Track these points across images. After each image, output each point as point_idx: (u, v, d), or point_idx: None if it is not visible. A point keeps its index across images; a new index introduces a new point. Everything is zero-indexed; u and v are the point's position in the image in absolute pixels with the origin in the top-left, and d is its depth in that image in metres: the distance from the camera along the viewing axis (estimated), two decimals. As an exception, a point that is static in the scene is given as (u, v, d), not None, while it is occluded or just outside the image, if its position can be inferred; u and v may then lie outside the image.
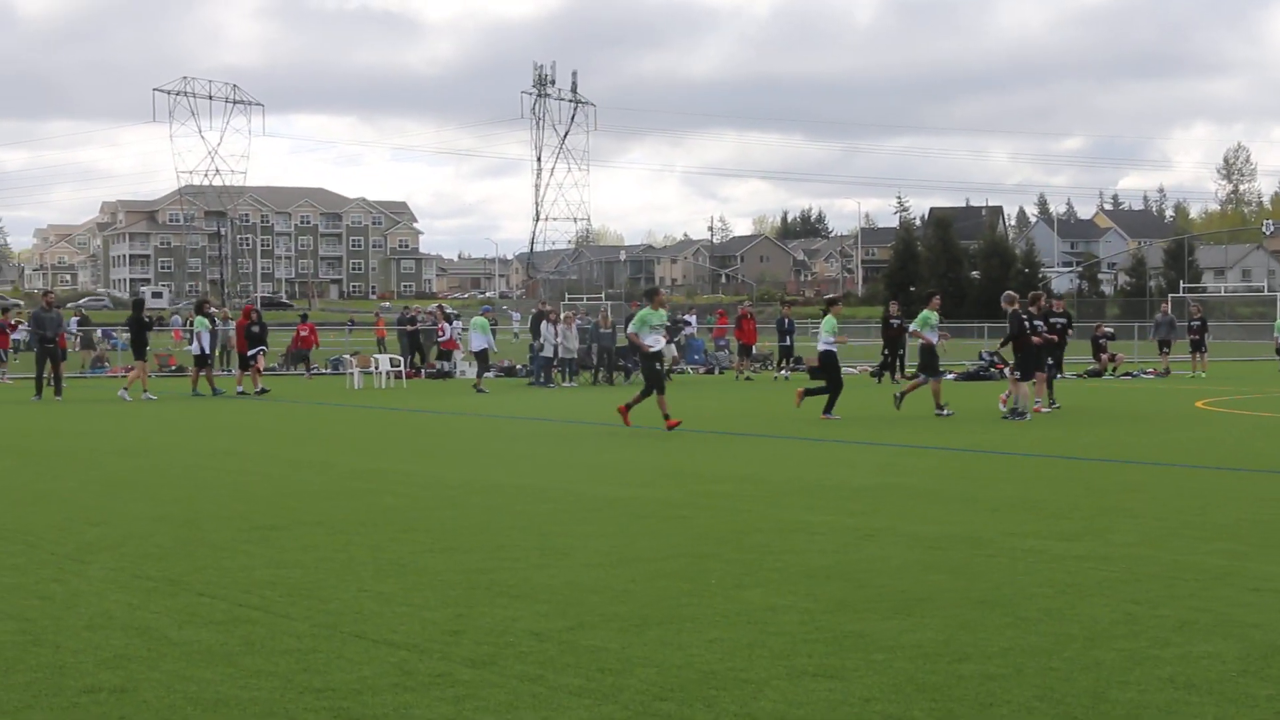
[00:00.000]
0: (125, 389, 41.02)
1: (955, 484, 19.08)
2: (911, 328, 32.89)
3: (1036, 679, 8.61)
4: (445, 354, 57.77)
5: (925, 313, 32.71)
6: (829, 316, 32.10)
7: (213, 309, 49.36)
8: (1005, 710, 7.96)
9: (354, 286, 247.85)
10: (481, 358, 48.00)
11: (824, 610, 10.67)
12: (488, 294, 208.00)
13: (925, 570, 12.37)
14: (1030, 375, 31.38)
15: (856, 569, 12.45)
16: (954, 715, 7.87)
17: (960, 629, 9.98)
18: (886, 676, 8.70)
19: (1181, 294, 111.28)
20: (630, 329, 27.33)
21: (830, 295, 38.12)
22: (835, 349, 31.22)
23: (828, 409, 30.71)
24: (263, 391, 43.41)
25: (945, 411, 31.05)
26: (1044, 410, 31.71)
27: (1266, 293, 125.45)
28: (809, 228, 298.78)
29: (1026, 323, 31.02)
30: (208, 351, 44.56)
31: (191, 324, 46.69)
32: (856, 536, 14.33)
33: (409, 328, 59.73)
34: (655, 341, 28.66)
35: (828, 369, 31.19)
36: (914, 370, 33.23)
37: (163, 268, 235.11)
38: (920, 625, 10.12)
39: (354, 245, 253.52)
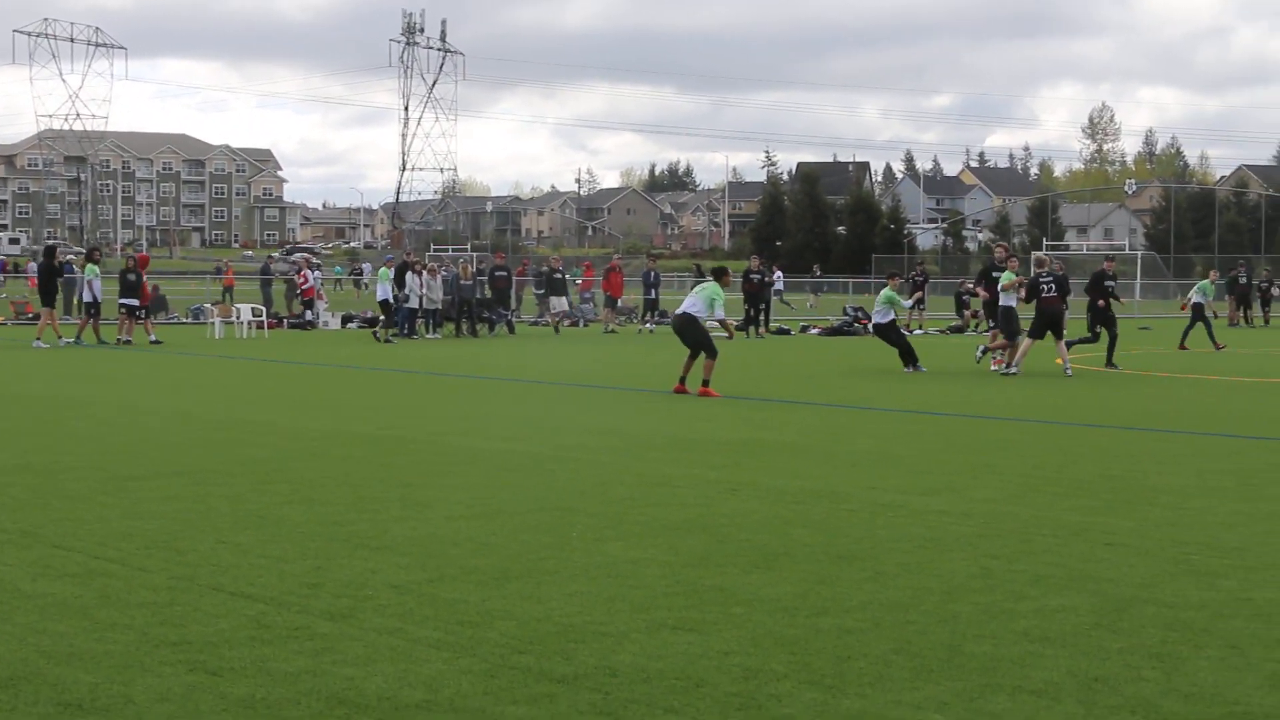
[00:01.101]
0: (39, 338, 40.51)
1: (818, 439, 19.23)
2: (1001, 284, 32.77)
3: (894, 632, 8.72)
4: (308, 303, 57.30)
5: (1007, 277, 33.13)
6: (887, 289, 33.67)
7: (101, 257, 48.70)
8: (862, 664, 8.05)
9: (217, 235, 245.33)
10: (385, 308, 47.65)
11: (685, 564, 10.74)
12: (352, 244, 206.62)
13: (786, 525, 12.47)
14: (1027, 333, 31.72)
15: (718, 523, 12.53)
16: (811, 668, 7.95)
17: (819, 583, 10.08)
18: (745, 630, 8.77)
19: (1044, 252, 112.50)
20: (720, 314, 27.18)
21: (892, 270, 39.20)
22: (891, 319, 33.03)
23: (910, 364, 32.20)
24: (156, 342, 42.87)
25: (1013, 369, 31.44)
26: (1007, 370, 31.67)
27: (1128, 251, 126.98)
28: (677, 181, 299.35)
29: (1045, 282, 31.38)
30: (99, 300, 43.98)
31: (83, 271, 45.93)
32: (719, 491, 14.42)
33: (285, 275, 59.20)
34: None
35: (889, 337, 33.00)
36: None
37: (20, 214, 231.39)
38: (780, 579, 10.21)
39: (217, 193, 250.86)
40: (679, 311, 26.56)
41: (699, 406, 23.87)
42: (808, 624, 8.92)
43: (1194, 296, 45.96)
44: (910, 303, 43.12)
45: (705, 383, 25.49)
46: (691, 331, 26.17)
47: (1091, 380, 30.22)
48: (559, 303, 55.14)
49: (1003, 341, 32.16)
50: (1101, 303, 34.41)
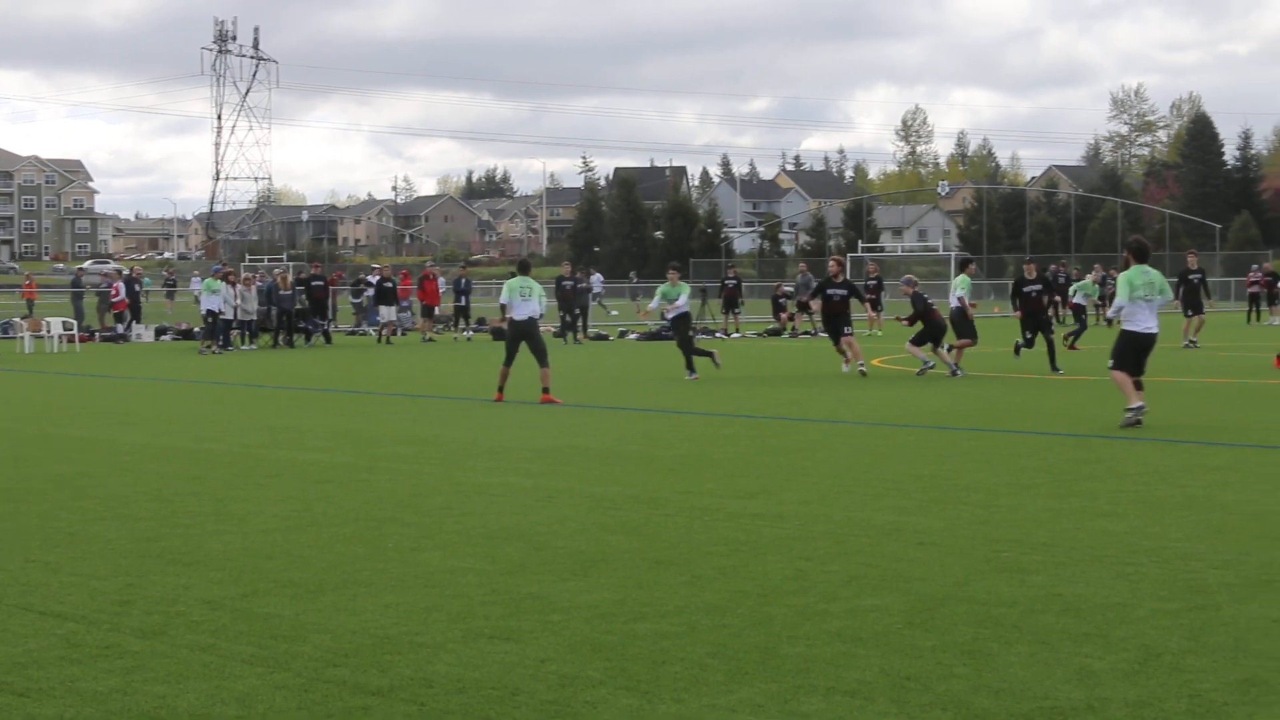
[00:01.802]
0: None
1: (635, 444, 19.30)
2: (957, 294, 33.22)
3: (710, 636, 8.77)
4: (120, 315, 56.45)
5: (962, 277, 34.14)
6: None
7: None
8: (679, 668, 8.09)
9: (26, 248, 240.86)
10: (210, 319, 46.98)
11: (502, 572, 10.74)
12: (165, 254, 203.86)
13: (603, 531, 12.50)
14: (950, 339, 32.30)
15: (535, 530, 12.54)
16: (628, 674, 7.98)
17: (636, 588, 10.12)
18: (562, 637, 8.78)
19: (860, 253, 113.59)
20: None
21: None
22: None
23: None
24: None
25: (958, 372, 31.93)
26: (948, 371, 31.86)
27: (942, 252, 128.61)
28: (494, 188, 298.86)
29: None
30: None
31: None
32: (536, 498, 14.43)
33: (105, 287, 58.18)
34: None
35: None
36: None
37: None
38: (597, 585, 10.23)
39: (26, 205, 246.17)
40: (525, 317, 26.29)
41: (516, 414, 23.87)
42: (624, 629, 8.95)
43: (1076, 297, 46.33)
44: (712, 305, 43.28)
45: (546, 390, 25.69)
46: (537, 336, 26.21)
47: (902, 381, 30.59)
48: (388, 312, 54.77)
49: (965, 342, 32.69)
50: (1020, 312, 34.62)
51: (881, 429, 21.16)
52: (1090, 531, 12.30)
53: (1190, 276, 45.38)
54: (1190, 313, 44.71)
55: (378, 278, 55.54)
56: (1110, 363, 20.99)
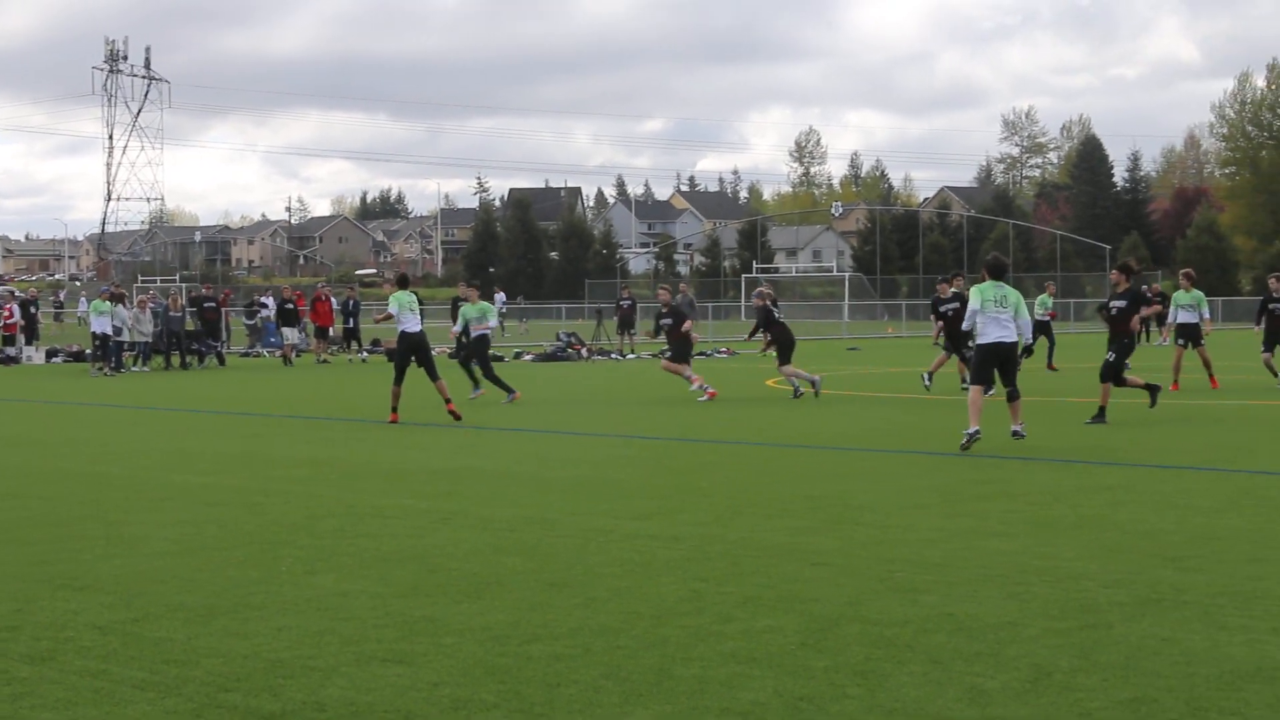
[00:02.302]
0: None
1: (530, 466, 19.26)
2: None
3: (604, 658, 8.76)
4: (9, 338, 55.79)
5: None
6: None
7: None
8: (573, 690, 8.08)
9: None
10: (102, 341, 46.50)
11: (395, 595, 10.68)
12: (57, 275, 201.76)
13: (497, 553, 12.47)
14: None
15: (429, 553, 12.49)
16: (522, 696, 7.95)
17: (531, 610, 10.09)
18: (456, 660, 8.75)
19: (754, 274, 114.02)
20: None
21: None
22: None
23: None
24: None
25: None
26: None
27: (835, 273, 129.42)
28: (389, 208, 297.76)
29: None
30: None
31: None
32: (431, 520, 14.38)
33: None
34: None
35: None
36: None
37: None
38: (491, 608, 10.20)
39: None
40: (416, 330, 26.23)
41: (411, 436, 23.78)
42: (519, 652, 8.92)
43: (1038, 313, 45.63)
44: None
45: (449, 401, 25.98)
46: (427, 350, 26.19)
47: (794, 403, 30.69)
48: (291, 333, 54.39)
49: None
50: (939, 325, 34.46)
51: (777, 450, 21.23)
52: (982, 551, 12.38)
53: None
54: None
55: (273, 299, 55.15)
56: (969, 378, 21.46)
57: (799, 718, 7.55)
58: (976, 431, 20.54)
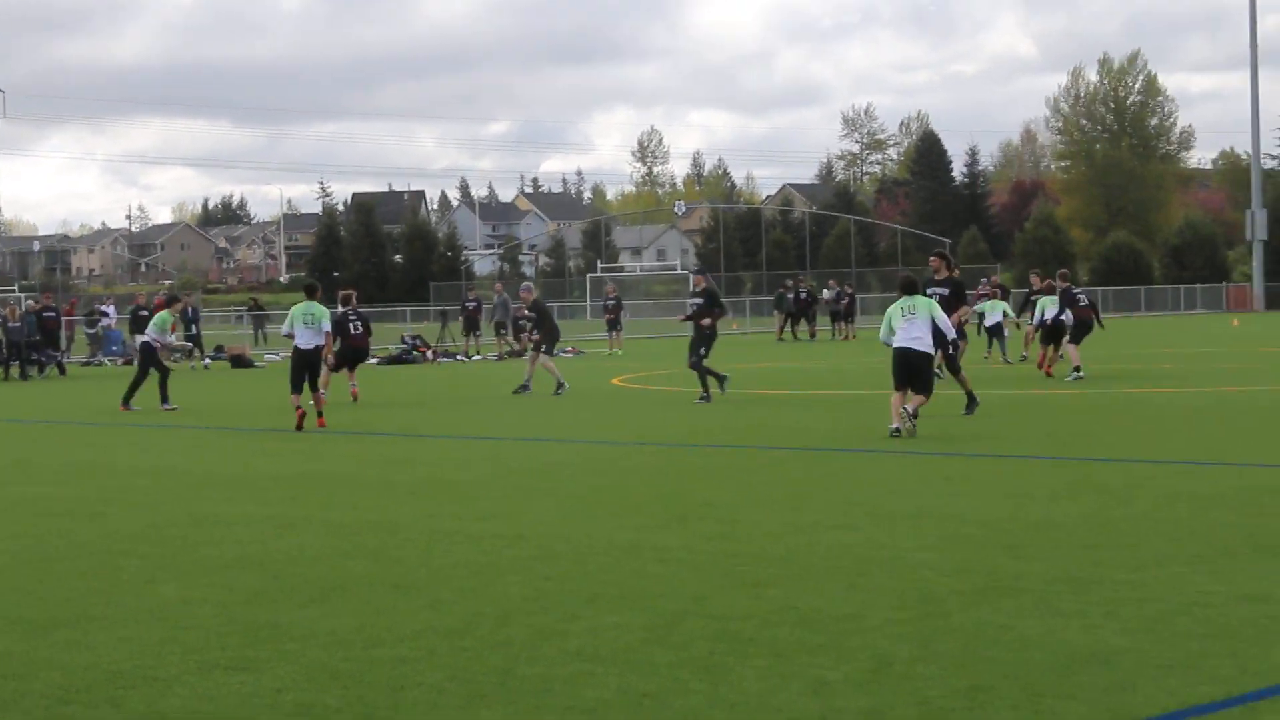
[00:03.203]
0: None
1: (375, 470, 19.16)
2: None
3: (449, 659, 8.74)
4: None
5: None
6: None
7: None
8: (417, 693, 8.05)
9: None
10: None
11: (239, 602, 10.59)
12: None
13: (342, 558, 12.40)
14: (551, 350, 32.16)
15: (273, 559, 12.40)
16: (366, 701, 7.92)
17: (375, 614, 10.05)
18: (300, 665, 8.69)
19: (599, 274, 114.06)
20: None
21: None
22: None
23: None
24: None
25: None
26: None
27: (679, 271, 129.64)
28: (231, 214, 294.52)
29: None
30: None
31: None
32: (275, 526, 14.26)
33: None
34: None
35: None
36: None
37: None
38: (335, 612, 10.15)
39: None
40: (310, 346, 25.58)
41: (254, 443, 23.60)
42: (363, 656, 8.88)
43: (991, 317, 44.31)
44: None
45: (320, 414, 25.39)
46: (318, 366, 25.90)
47: (644, 400, 30.76)
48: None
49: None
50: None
51: (624, 448, 21.27)
52: (825, 544, 12.48)
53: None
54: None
55: (114, 309, 54.36)
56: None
57: (642, 715, 7.58)
58: (897, 429, 21.15)
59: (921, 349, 21.80)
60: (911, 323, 21.84)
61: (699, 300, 29.79)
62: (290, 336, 26.02)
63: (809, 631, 9.23)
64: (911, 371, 21.75)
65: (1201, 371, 36.09)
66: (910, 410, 21.43)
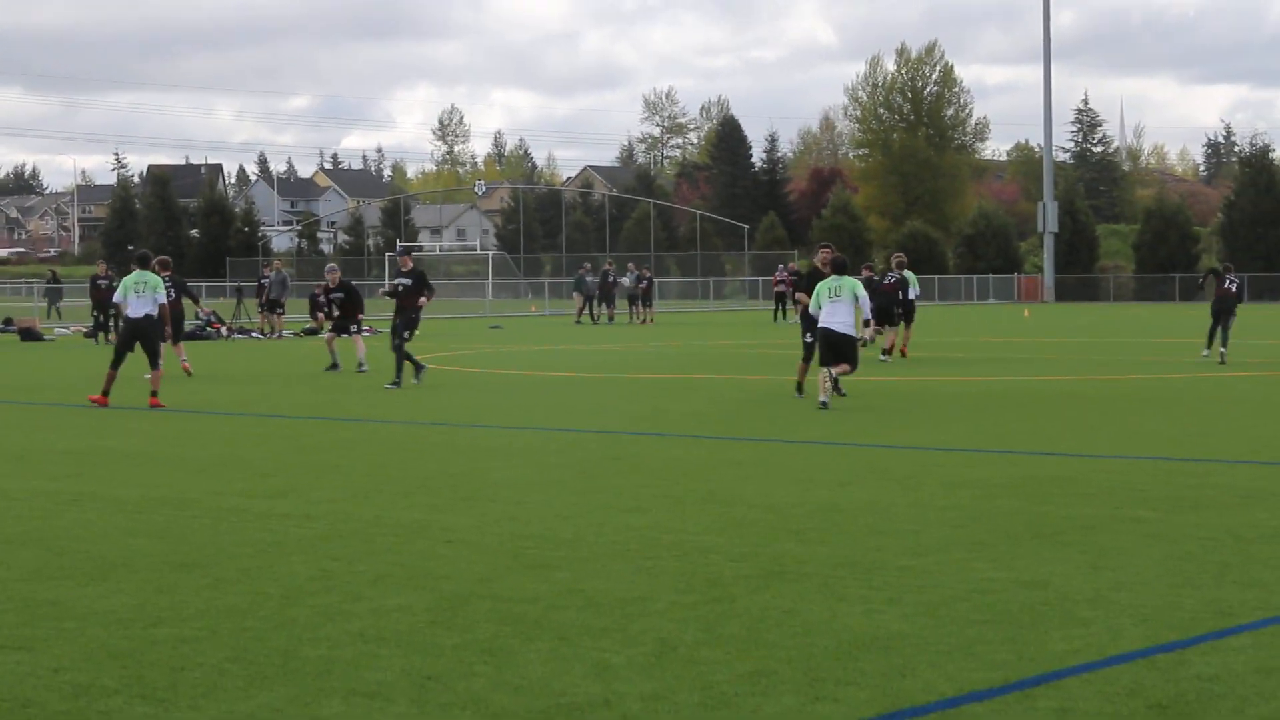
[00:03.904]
0: None
1: (165, 446, 18.88)
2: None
3: (230, 640, 8.63)
4: None
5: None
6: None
7: None
8: (197, 674, 7.94)
9: None
10: None
11: (17, 579, 10.39)
12: None
13: (126, 535, 12.21)
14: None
15: (55, 536, 12.17)
16: (144, 681, 7.80)
17: (158, 593, 9.90)
18: (78, 645, 8.54)
19: (396, 253, 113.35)
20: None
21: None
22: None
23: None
24: None
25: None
26: None
27: (479, 251, 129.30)
28: (23, 184, 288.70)
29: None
30: None
31: None
32: (58, 502, 14.00)
33: None
34: None
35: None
36: None
37: None
38: (116, 591, 9.98)
39: None
40: (141, 314, 24.68)
41: (43, 417, 23.19)
42: (143, 635, 8.74)
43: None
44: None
45: (155, 394, 24.42)
46: (152, 336, 24.89)
47: (441, 380, 30.63)
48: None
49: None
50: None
51: (417, 428, 21.17)
52: (614, 526, 12.51)
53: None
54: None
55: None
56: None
57: (426, 697, 7.53)
58: (824, 403, 22.78)
59: (844, 330, 23.12)
60: (836, 303, 23.17)
61: (406, 281, 29.26)
62: (120, 306, 25.38)
63: (594, 615, 9.24)
64: (835, 351, 23.09)
65: (991, 360, 36.72)
66: (833, 376, 23.03)
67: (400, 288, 28.92)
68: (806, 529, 12.36)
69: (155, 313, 24.91)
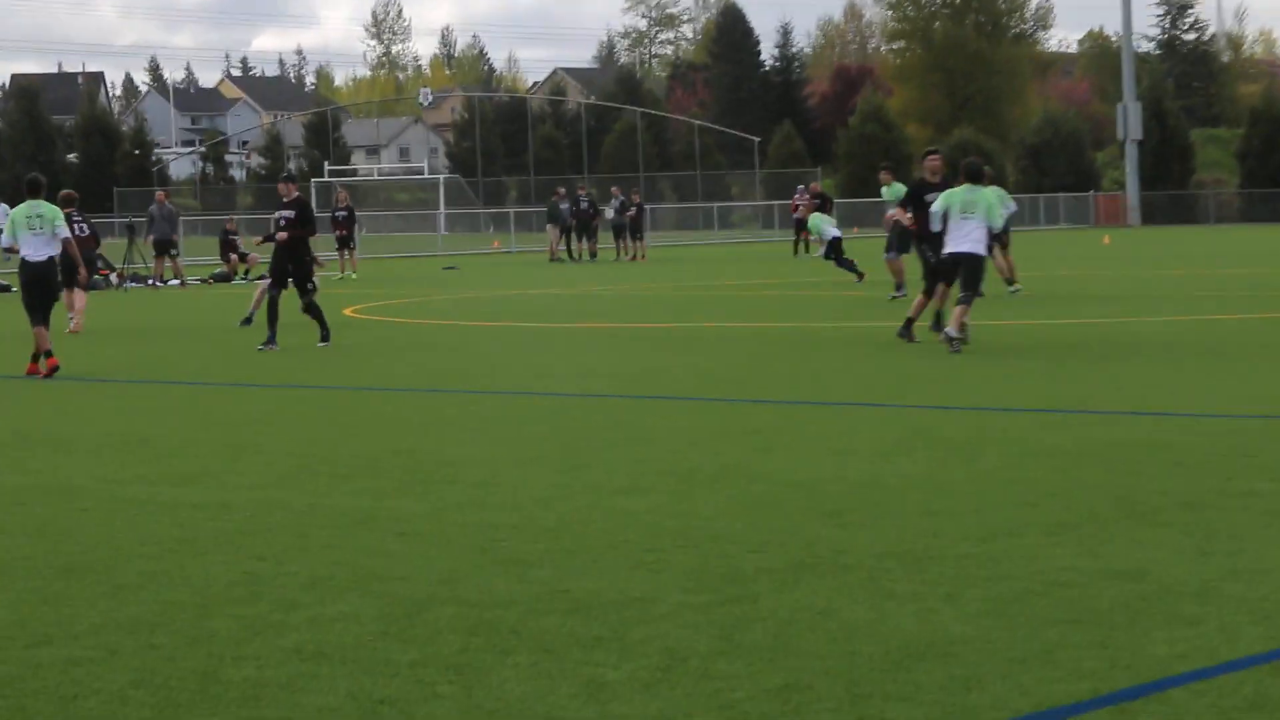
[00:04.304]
0: None
1: (44, 423, 18.90)
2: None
3: (134, 660, 8.64)
4: None
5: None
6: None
7: None
8: (94, 702, 7.95)
9: None
10: None
11: None
12: None
13: (0, 533, 12.21)
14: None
15: (-89, 536, 12.19)
16: (29, 712, 7.81)
17: (42, 604, 9.91)
18: (-56, 670, 8.55)
19: (326, 178, 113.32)
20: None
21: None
22: None
23: None
24: None
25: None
26: None
27: (427, 175, 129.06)
28: None
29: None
30: None
31: None
32: (-87, 494, 14.03)
33: None
34: None
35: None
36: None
37: None
38: (-10, 602, 10.00)
39: None
40: (43, 258, 23.64)
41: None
42: (26, 657, 8.75)
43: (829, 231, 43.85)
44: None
45: (49, 354, 23.34)
46: (53, 284, 24.19)
47: (383, 335, 30.62)
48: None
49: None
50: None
51: (355, 394, 21.19)
52: (606, 511, 12.53)
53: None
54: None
55: None
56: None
57: (379, 725, 7.56)
58: (951, 338, 23.54)
59: (978, 252, 23.74)
60: (968, 221, 23.58)
61: (289, 214, 27.77)
62: (12, 250, 24.60)
63: (584, 621, 9.25)
64: (973, 277, 23.66)
65: (1064, 299, 36.77)
66: (958, 323, 23.42)
67: (283, 221, 27.70)
68: (844, 510, 12.37)
69: (57, 253, 23.85)
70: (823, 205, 48.91)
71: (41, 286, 23.68)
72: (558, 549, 11.19)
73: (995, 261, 34.34)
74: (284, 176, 29.54)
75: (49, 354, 23.25)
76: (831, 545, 11.12)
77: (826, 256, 43.12)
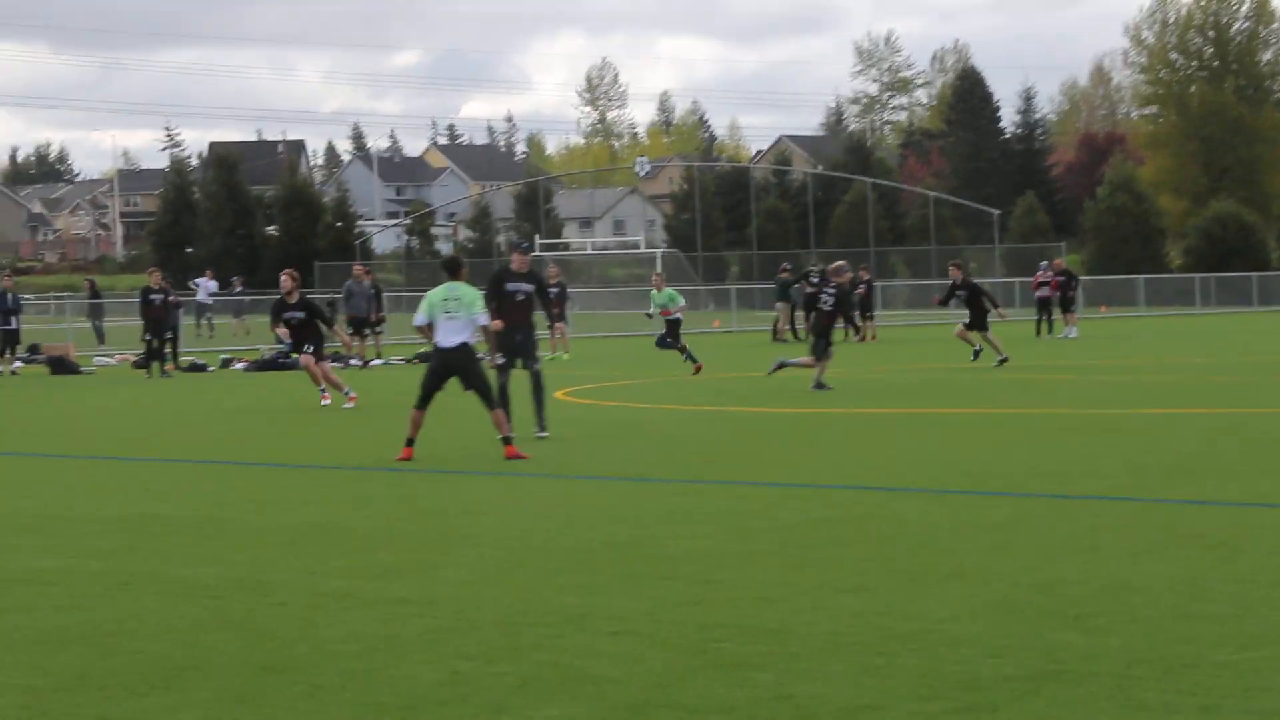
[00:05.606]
0: None
1: (241, 510, 19.09)
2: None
3: (335, 766, 8.72)
4: None
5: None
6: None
7: None
8: (293, 809, 8.03)
9: None
10: None
11: (55, 688, 10.55)
12: None
13: (195, 628, 12.36)
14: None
15: (103, 630, 12.35)
16: (225, 820, 7.90)
17: (238, 704, 10.02)
18: (136, 774, 8.67)
19: (538, 252, 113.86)
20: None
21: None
22: None
23: None
24: None
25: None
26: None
27: (644, 249, 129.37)
28: (49, 170, 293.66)
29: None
30: None
31: None
32: (106, 585, 14.22)
33: None
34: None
35: None
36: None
37: None
38: (186, 703, 10.11)
39: None
40: (456, 344, 23.95)
41: (82, 474, 23.51)
42: (222, 760, 8.85)
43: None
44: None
45: (509, 440, 23.91)
46: (474, 369, 24.25)
47: (598, 419, 30.71)
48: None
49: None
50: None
51: (568, 484, 21.23)
52: (833, 612, 12.49)
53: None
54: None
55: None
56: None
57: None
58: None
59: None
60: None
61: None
62: (427, 329, 24.38)
63: (811, 729, 9.23)
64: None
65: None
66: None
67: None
68: (1090, 614, 12.26)
69: (471, 339, 23.96)
70: (1068, 282, 48.76)
71: (457, 372, 23.97)
72: (781, 651, 11.17)
73: None
74: (522, 246, 28.86)
75: (509, 441, 23.81)
76: (1076, 651, 11.03)
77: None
